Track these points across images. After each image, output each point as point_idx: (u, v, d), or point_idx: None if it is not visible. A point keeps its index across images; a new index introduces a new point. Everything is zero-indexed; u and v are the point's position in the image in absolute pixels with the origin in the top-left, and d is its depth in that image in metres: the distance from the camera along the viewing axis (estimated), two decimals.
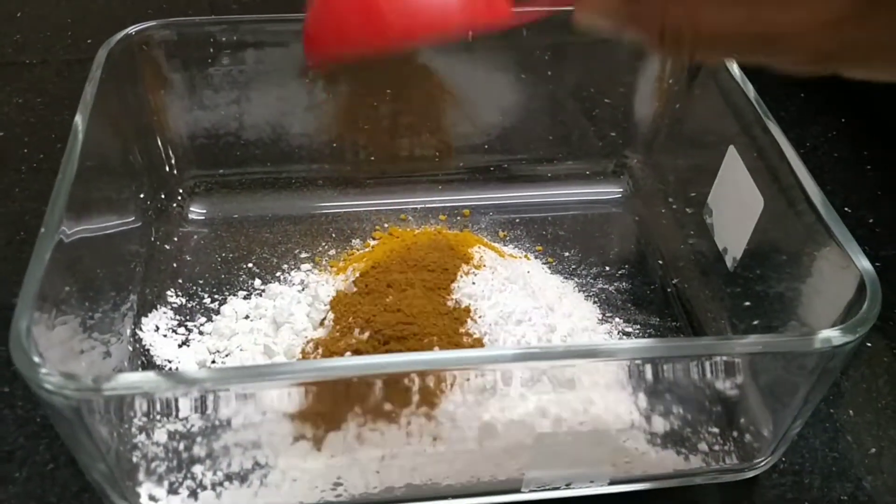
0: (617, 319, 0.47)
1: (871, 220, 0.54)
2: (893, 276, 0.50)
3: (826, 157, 0.60)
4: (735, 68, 0.47)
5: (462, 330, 0.43)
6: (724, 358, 0.35)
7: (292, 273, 0.49)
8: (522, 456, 0.37)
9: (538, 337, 0.43)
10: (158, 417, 0.35)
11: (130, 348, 0.44)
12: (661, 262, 0.51)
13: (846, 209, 0.55)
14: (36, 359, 0.31)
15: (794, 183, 0.41)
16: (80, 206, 0.40)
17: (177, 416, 0.34)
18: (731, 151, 0.46)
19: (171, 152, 0.52)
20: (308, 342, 0.44)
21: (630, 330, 0.47)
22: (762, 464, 0.40)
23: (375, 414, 0.37)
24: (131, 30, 0.47)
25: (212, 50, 0.50)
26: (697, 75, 0.51)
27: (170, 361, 0.44)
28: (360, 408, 0.36)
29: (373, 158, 0.55)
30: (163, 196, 0.52)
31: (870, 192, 0.57)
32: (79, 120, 0.42)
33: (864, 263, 0.35)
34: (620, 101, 0.56)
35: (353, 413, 0.37)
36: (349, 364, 0.33)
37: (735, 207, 0.45)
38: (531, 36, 0.53)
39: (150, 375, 0.31)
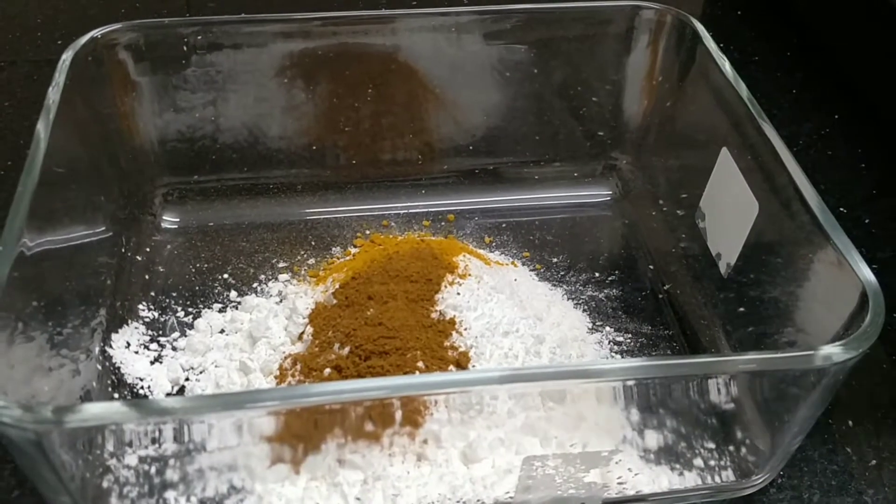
0: (608, 328, 0.46)
1: (867, 221, 0.53)
2: (891, 280, 0.48)
3: (819, 155, 0.58)
4: (727, 66, 0.45)
5: (447, 343, 0.41)
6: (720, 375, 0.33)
7: (270, 284, 0.47)
8: (511, 478, 0.36)
9: (526, 349, 0.42)
10: (127, 446, 0.33)
11: (100, 366, 0.42)
12: (651, 266, 0.50)
13: (841, 209, 0.53)
14: None
15: (790, 187, 0.39)
16: (45, 218, 0.38)
17: (147, 444, 0.33)
18: (724, 153, 0.44)
19: (142, 158, 0.50)
20: (286, 358, 0.42)
21: (621, 339, 0.45)
22: (760, 480, 0.38)
23: (356, 436, 0.35)
24: (96, 32, 0.45)
25: (183, 52, 0.48)
26: (688, 73, 0.49)
27: (141, 379, 0.42)
28: (341, 429, 0.35)
29: (354, 162, 0.54)
30: (134, 204, 0.50)
31: (865, 191, 0.55)
32: (41, 127, 0.40)
33: (866, 274, 0.34)
34: (609, 100, 0.54)
35: (333, 435, 0.35)
36: (326, 390, 0.31)
37: (729, 212, 0.44)
38: (516, 32, 0.51)
39: (116, 406, 0.29)
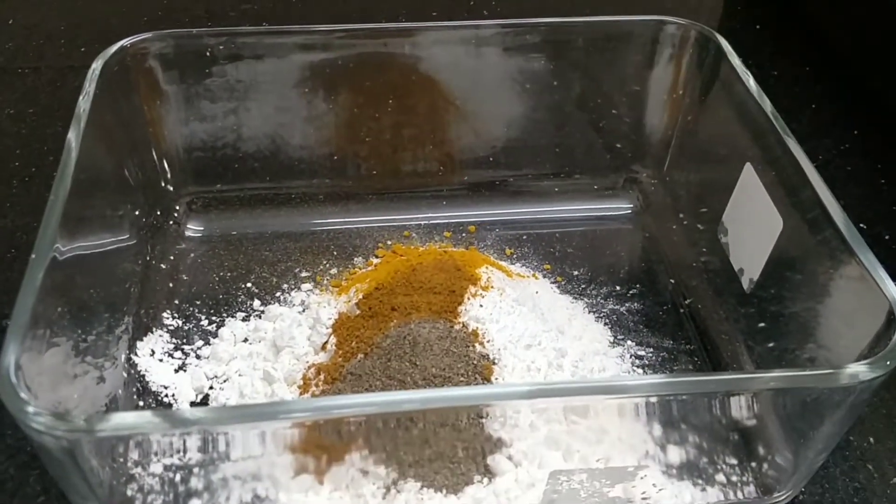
0: (629, 342, 0.46)
1: (887, 237, 0.53)
2: None
3: (839, 171, 0.58)
4: (751, 82, 0.45)
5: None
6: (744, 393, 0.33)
7: (293, 293, 0.47)
8: (534, 492, 0.36)
9: (549, 362, 0.42)
10: (154, 454, 0.33)
11: (125, 374, 0.42)
12: (672, 280, 0.50)
13: (861, 225, 0.53)
14: (24, 395, 0.30)
15: (815, 203, 0.39)
16: (73, 225, 0.38)
17: (173, 453, 0.33)
18: (748, 169, 0.44)
19: (167, 167, 0.50)
20: (309, 367, 0.42)
21: (643, 353, 0.45)
22: (782, 497, 0.38)
23: (380, 446, 0.35)
24: (126, 42, 0.46)
25: (209, 61, 0.48)
26: (711, 87, 0.50)
27: (166, 387, 0.42)
28: (364, 440, 0.35)
29: (375, 172, 0.54)
30: (159, 213, 0.50)
31: (885, 206, 0.55)
32: (72, 136, 0.40)
33: (893, 292, 0.34)
34: (630, 113, 0.54)
35: (357, 445, 0.35)
36: (352, 402, 0.31)
37: (752, 227, 0.44)
38: (537, 45, 0.51)
39: (146, 415, 0.30)
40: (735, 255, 0.46)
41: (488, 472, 0.37)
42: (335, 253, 0.50)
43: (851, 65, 0.66)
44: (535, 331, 0.43)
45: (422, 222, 0.53)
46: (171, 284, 0.48)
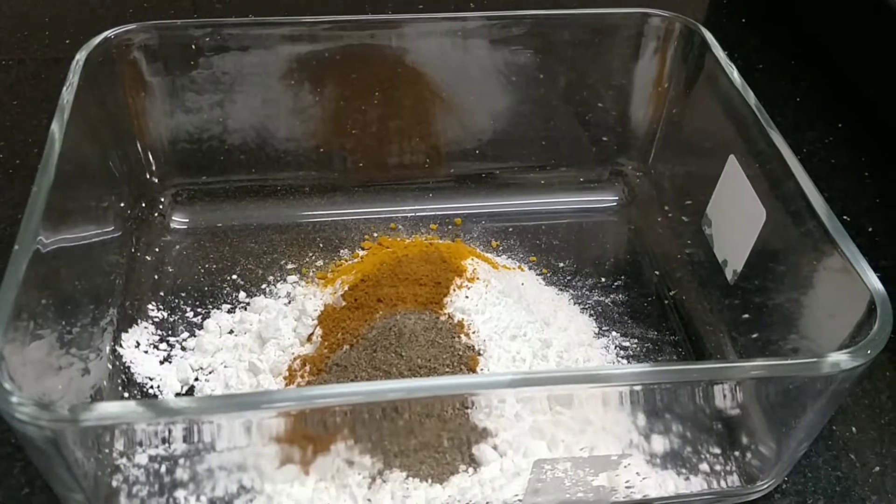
0: (614, 333, 0.46)
1: (870, 229, 0.53)
2: (893, 288, 0.49)
3: (823, 163, 0.58)
4: (735, 74, 0.46)
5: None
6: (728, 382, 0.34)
7: (278, 285, 0.47)
8: (519, 481, 0.36)
9: (533, 353, 0.42)
10: (139, 444, 0.33)
11: (110, 365, 0.42)
12: (657, 272, 0.50)
13: (845, 217, 0.54)
14: (7, 385, 0.30)
15: (798, 195, 0.40)
16: (58, 217, 0.38)
17: (158, 443, 0.33)
18: (732, 161, 0.45)
19: (152, 159, 0.50)
20: (295, 359, 0.42)
21: (627, 344, 0.46)
22: (765, 486, 0.39)
23: (365, 437, 0.35)
24: (110, 33, 0.45)
25: (194, 53, 0.48)
26: (696, 80, 0.50)
27: (151, 379, 0.42)
28: (350, 431, 0.35)
29: (361, 165, 0.54)
30: (144, 204, 0.50)
31: (869, 199, 0.56)
32: (55, 128, 0.40)
33: (874, 283, 0.34)
34: (615, 106, 0.54)
35: (343, 436, 0.35)
36: (336, 392, 0.31)
37: (735, 219, 0.44)
38: (524, 38, 0.51)
39: (130, 405, 0.30)
40: (719, 246, 0.46)
41: (473, 462, 0.37)
42: (321, 245, 0.50)
43: (836, 58, 0.66)
44: (521, 322, 0.43)
45: (408, 214, 0.53)
46: (156, 276, 0.48)
